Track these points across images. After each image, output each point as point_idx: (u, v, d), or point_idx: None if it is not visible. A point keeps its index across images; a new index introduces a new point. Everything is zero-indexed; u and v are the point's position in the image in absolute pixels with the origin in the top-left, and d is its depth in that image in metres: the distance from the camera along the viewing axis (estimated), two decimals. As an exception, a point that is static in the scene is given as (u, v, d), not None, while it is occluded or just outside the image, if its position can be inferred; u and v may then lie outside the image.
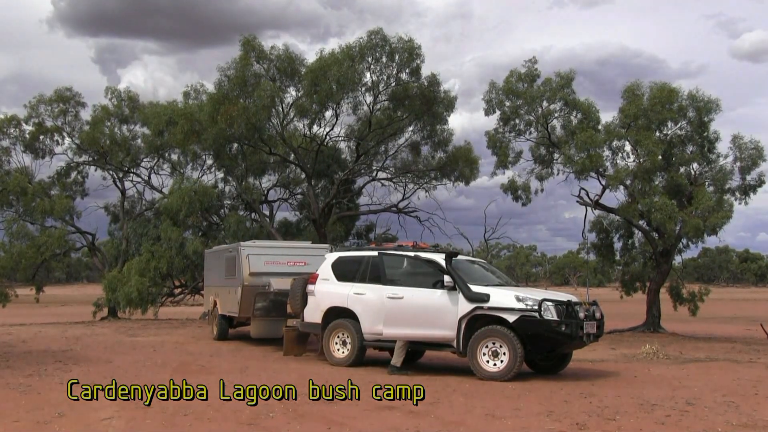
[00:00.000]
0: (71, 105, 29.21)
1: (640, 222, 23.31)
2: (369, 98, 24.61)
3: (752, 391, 10.06)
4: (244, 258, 16.59)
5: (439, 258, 11.86)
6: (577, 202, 24.25)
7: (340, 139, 27.63)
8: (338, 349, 12.64)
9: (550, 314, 10.75)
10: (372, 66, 23.60)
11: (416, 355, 13.38)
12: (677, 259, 25.63)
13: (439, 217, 28.22)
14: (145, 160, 30.46)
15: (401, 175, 28.01)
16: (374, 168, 28.26)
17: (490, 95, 23.36)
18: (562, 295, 11.60)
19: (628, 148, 22.84)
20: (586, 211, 24.81)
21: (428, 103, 24.42)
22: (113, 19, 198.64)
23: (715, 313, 38.60)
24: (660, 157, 21.29)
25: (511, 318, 10.78)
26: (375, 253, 12.72)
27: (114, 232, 31.33)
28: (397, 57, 23.23)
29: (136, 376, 11.11)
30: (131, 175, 30.82)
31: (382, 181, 28.62)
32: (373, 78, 23.89)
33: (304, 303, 13.33)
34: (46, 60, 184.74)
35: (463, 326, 11.13)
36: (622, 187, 22.86)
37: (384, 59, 23.37)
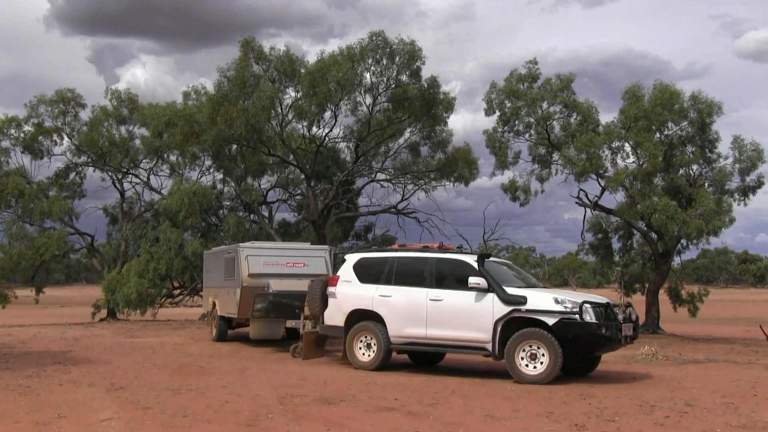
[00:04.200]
0: (71, 106, 29.19)
1: (640, 223, 23.33)
2: (368, 99, 24.63)
3: (751, 392, 10.06)
4: (243, 259, 16.58)
5: (471, 260, 11.71)
6: (576, 203, 24.29)
7: (340, 140, 27.66)
8: (362, 353, 12.32)
9: (590, 317, 10.63)
10: (372, 68, 23.60)
11: (437, 357, 13.20)
12: (676, 261, 25.67)
13: (438, 218, 28.23)
14: (144, 161, 30.44)
15: (400, 176, 28.01)
16: (373, 169, 28.28)
17: (490, 95, 23.40)
18: (598, 297, 11.50)
19: (627, 148, 22.87)
20: (585, 212, 24.85)
21: (428, 105, 24.43)
22: (111, 18, 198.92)
23: (714, 315, 38.62)
24: (660, 159, 21.31)
25: (550, 321, 10.64)
26: (403, 254, 12.48)
27: (112, 233, 31.33)
28: (397, 59, 23.22)
29: (135, 378, 11.12)
30: (130, 176, 30.80)
31: (382, 182, 28.64)
32: (373, 79, 23.89)
33: (324, 305, 12.97)
34: (42, 59, 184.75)
35: (499, 329, 10.94)
36: (621, 189, 22.88)
37: (384, 61, 23.36)
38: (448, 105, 25.19)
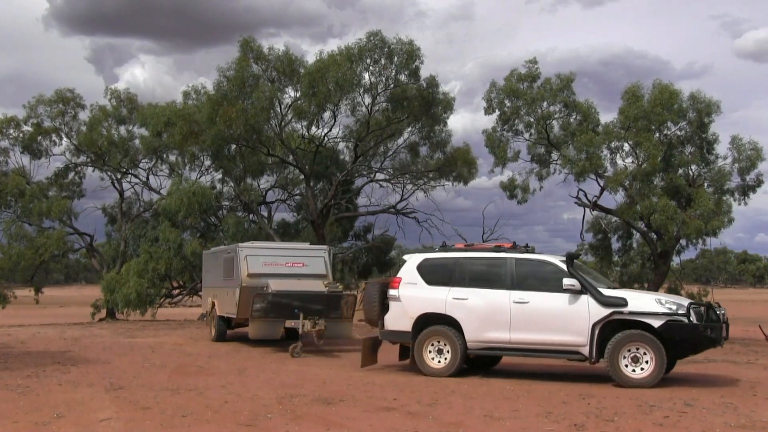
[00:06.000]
0: (70, 106, 29.18)
1: (639, 223, 23.34)
2: (367, 99, 24.66)
3: (750, 393, 10.07)
4: (243, 259, 16.58)
5: (557, 260, 11.47)
6: (576, 203, 24.31)
7: (339, 140, 27.68)
8: (433, 359, 11.65)
9: (696, 318, 10.42)
10: (371, 67, 23.64)
11: (494, 361, 12.73)
12: (676, 261, 25.67)
13: (437, 218, 28.23)
14: (143, 161, 30.43)
15: (399, 176, 28.02)
16: (373, 169, 28.28)
17: (490, 95, 23.45)
18: (684, 299, 11.37)
19: (627, 148, 22.89)
20: (585, 212, 24.87)
21: (427, 105, 24.45)
22: (110, 18, 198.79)
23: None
24: (659, 159, 21.33)
25: (656, 323, 10.36)
26: (475, 254, 12.01)
27: (112, 233, 31.32)
28: (396, 59, 23.26)
29: (134, 377, 11.11)
30: (129, 176, 30.80)
31: (381, 182, 28.65)
32: (372, 79, 23.93)
33: (384, 310, 12.20)
34: (41, 59, 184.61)
35: (596, 332, 10.60)
36: (620, 189, 22.90)
37: (383, 61, 23.40)
38: (447, 105, 25.22)
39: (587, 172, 22.08)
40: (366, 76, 23.75)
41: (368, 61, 23.43)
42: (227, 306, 17.35)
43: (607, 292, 10.86)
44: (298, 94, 24.32)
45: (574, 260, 11.33)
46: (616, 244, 26.11)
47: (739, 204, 22.89)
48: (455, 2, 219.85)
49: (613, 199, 23.66)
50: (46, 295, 38.26)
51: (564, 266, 11.12)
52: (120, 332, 20.89)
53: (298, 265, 16.95)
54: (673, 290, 25.23)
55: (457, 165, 27.03)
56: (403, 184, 28.28)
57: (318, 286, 16.08)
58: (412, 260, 12.37)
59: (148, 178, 30.68)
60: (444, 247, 12.70)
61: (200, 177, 28.74)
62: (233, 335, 18.46)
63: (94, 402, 8.97)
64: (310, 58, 29.11)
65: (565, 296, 10.86)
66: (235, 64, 23.11)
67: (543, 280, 11.24)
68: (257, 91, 22.80)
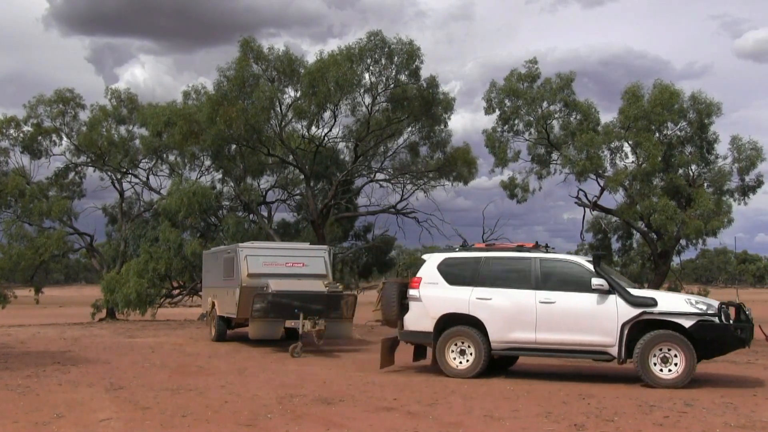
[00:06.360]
0: (70, 106, 29.20)
1: (639, 223, 23.35)
2: (368, 99, 24.67)
3: (750, 392, 10.07)
4: (243, 259, 16.58)
5: (582, 260, 11.45)
6: (576, 203, 24.34)
7: (339, 140, 27.70)
8: (456, 359, 11.49)
9: (727, 318, 10.41)
10: (371, 67, 23.65)
11: (511, 360, 12.50)
12: (676, 261, 25.71)
13: (437, 218, 28.24)
14: (143, 161, 30.45)
15: (399, 176, 28.02)
16: (373, 169, 28.29)
17: (490, 94, 23.49)
18: (712, 300, 11.32)
19: (627, 148, 22.91)
20: (585, 212, 24.90)
21: (427, 105, 24.46)
22: (110, 18, 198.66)
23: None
24: (659, 159, 21.34)
25: (687, 323, 10.32)
26: (498, 254, 11.83)
27: (112, 233, 31.33)
28: (396, 59, 23.27)
29: (134, 377, 11.11)
30: (129, 176, 30.82)
31: (381, 182, 28.65)
32: (372, 79, 23.94)
33: (404, 310, 11.99)
34: (41, 59, 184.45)
35: (625, 332, 10.52)
36: (620, 189, 22.92)
37: (383, 61, 23.41)
38: (448, 105, 25.22)
39: (588, 172, 22.10)
40: (366, 76, 23.78)
41: (368, 61, 23.45)
42: (227, 306, 17.35)
43: (636, 292, 10.85)
44: (298, 94, 24.34)
45: (601, 260, 11.31)
46: (616, 244, 26.20)
47: (739, 204, 22.95)
48: (455, 2, 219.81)
49: (613, 199, 23.73)
50: (46, 295, 38.25)
51: (590, 266, 11.09)
52: (120, 332, 20.89)
53: (298, 265, 16.95)
54: (673, 290, 25.22)
55: (457, 165, 27.03)
56: (403, 184, 28.31)
57: (318, 286, 16.08)
58: (432, 260, 12.16)
59: (148, 178, 30.75)
60: (464, 247, 12.50)
61: (200, 177, 28.80)
62: (233, 335, 18.46)
63: (94, 402, 8.97)
64: (310, 58, 29.17)
65: (593, 296, 10.80)
66: (235, 64, 23.12)
67: (569, 280, 11.13)
68: (257, 91, 22.81)
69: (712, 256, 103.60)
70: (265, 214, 29.61)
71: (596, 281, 10.77)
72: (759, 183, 22.85)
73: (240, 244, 17.53)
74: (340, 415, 8.16)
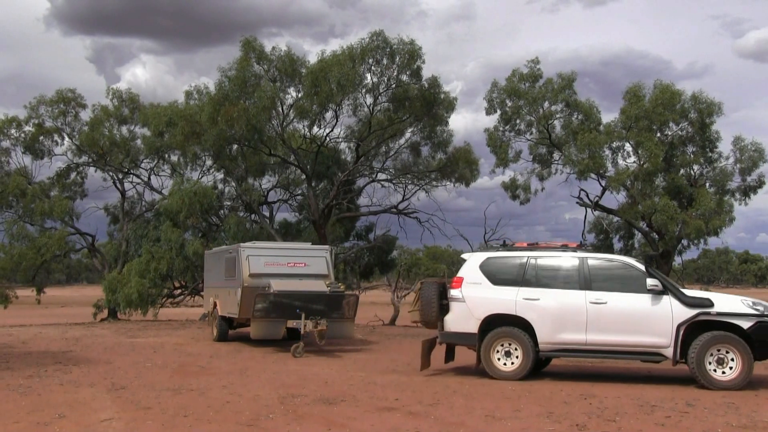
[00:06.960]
0: (72, 106, 29.21)
1: (641, 223, 23.35)
2: (369, 99, 24.65)
3: (752, 393, 10.06)
4: (244, 259, 16.58)
5: (633, 260, 11.40)
6: (577, 203, 24.35)
7: (340, 140, 27.69)
8: (501, 361, 11.22)
9: None
10: (373, 67, 23.63)
11: (544, 362, 12.17)
12: (677, 261, 25.69)
13: (438, 218, 28.20)
14: (144, 161, 30.45)
15: (401, 176, 28.01)
16: (374, 169, 28.28)
17: (491, 94, 23.50)
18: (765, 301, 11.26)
19: (628, 148, 22.91)
20: (586, 212, 24.91)
21: (429, 105, 24.43)
22: (110, 18, 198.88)
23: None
24: (661, 159, 21.34)
25: (746, 324, 10.25)
26: (543, 253, 11.60)
27: (113, 233, 31.34)
28: (397, 59, 23.24)
29: (136, 378, 11.12)
30: (131, 176, 30.81)
31: (382, 183, 28.63)
32: (374, 79, 23.92)
33: (444, 311, 11.72)
34: (42, 59, 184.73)
35: (681, 333, 10.42)
36: (622, 189, 22.91)
37: (385, 61, 23.37)
38: (449, 105, 25.19)
39: (590, 171, 22.09)
40: (368, 75, 23.76)
41: (370, 60, 23.42)
42: (229, 306, 17.36)
43: (690, 292, 10.80)
44: (299, 94, 24.32)
45: (652, 261, 11.25)
46: (617, 244, 26.15)
47: (740, 204, 22.96)
48: (456, 2, 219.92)
49: (615, 199, 23.73)
50: (48, 295, 38.27)
51: (641, 266, 11.03)
52: (121, 332, 20.91)
53: (300, 265, 16.96)
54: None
55: (459, 165, 26.98)
56: (405, 185, 28.27)
57: (320, 286, 16.08)
58: (474, 259, 11.89)
59: (149, 178, 30.74)
60: (506, 246, 12.33)
61: (202, 177, 28.78)
62: (235, 335, 18.47)
63: (96, 402, 8.98)
64: (312, 58, 29.23)
65: (646, 297, 10.68)
66: (237, 63, 23.11)
67: (619, 280, 10.99)
68: (259, 90, 22.80)
69: (713, 256, 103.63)
70: (267, 214, 29.62)
71: (651, 281, 10.67)
72: (761, 183, 22.86)
73: (242, 244, 17.54)
74: (341, 415, 8.16)
